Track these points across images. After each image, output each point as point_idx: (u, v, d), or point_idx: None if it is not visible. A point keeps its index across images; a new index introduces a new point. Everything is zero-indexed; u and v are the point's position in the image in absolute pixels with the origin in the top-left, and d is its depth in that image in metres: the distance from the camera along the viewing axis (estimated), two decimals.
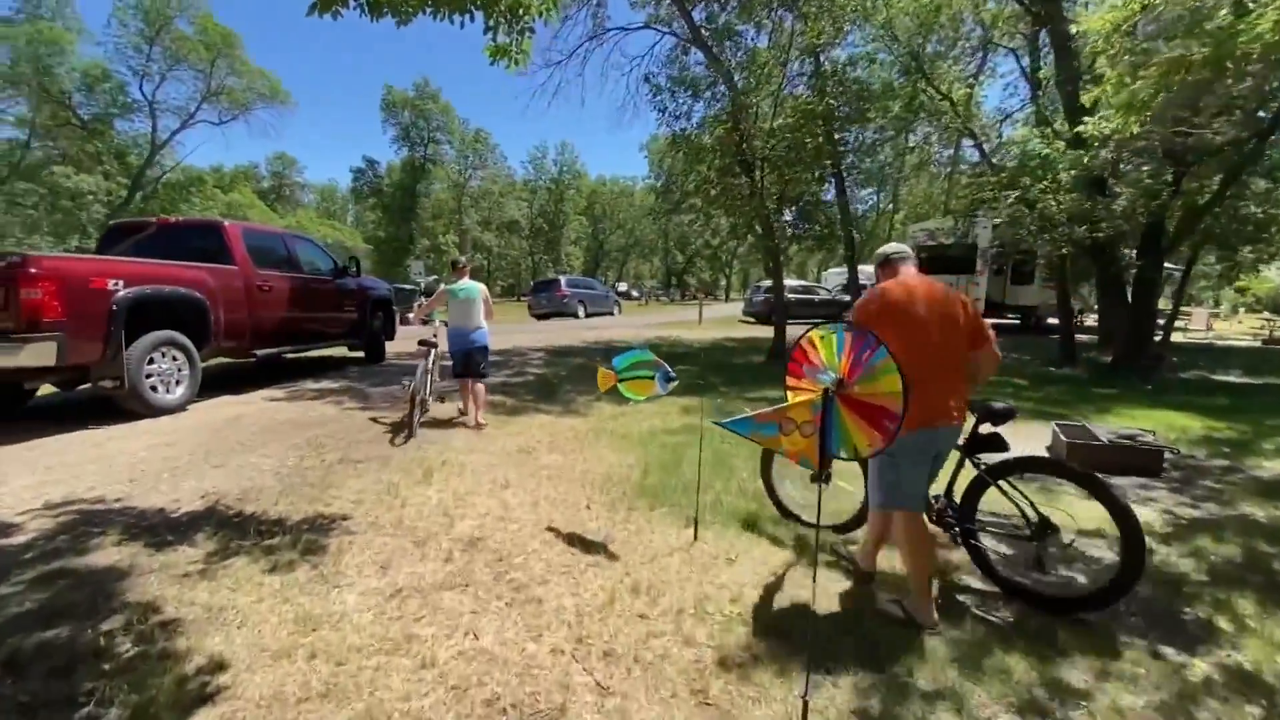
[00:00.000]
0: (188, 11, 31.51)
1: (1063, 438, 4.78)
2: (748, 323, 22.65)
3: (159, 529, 3.03)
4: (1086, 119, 7.50)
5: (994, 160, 13.15)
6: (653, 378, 3.23)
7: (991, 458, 2.57)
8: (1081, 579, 2.76)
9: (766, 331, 16.94)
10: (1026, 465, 2.56)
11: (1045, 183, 9.06)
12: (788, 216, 11.58)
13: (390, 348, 9.78)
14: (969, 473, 2.66)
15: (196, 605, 2.36)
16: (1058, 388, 8.33)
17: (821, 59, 11.77)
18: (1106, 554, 2.91)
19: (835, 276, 38.40)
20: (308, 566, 2.70)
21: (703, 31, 10.24)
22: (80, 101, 30.58)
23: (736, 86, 9.77)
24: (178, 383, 5.51)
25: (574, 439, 5.12)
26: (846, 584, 2.69)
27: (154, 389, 5.26)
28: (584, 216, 57.67)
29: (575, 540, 3.07)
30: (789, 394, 2.26)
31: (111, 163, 30.91)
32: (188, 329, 5.65)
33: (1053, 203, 9.15)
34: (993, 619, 2.42)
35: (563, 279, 23.69)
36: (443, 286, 5.72)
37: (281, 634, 2.20)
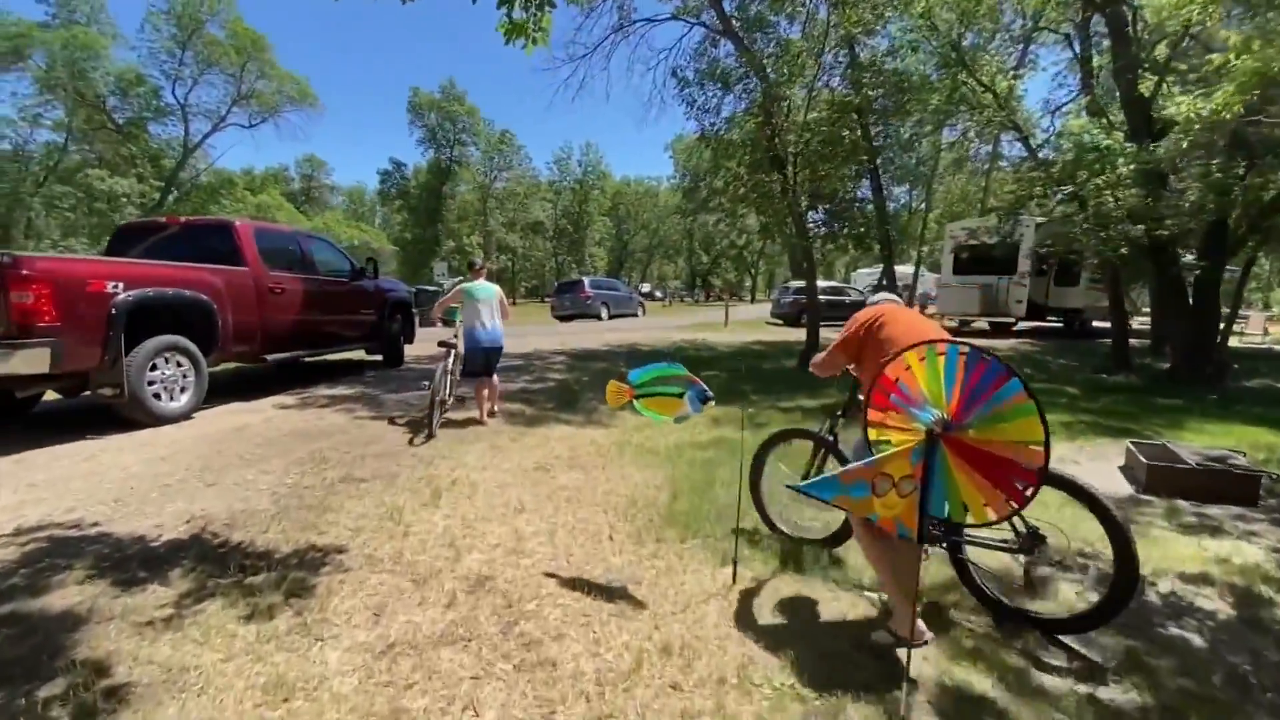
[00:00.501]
0: (218, 15, 31.97)
1: (1141, 458, 4.25)
2: (775, 325, 22.09)
3: (132, 562, 2.71)
4: (1180, 99, 6.88)
5: (1039, 155, 12.49)
6: (681, 395, 2.81)
7: None
8: (1072, 596, 2.59)
9: (797, 334, 16.26)
10: None
11: (1103, 177, 8.45)
12: (820, 215, 11.08)
13: (409, 350, 9.53)
14: None
15: (154, 664, 2.02)
16: (1116, 398, 7.73)
17: (857, 49, 11.25)
18: (1099, 570, 2.72)
19: (866, 277, 37.50)
20: (290, 613, 2.35)
21: (733, 22, 9.81)
22: (115, 105, 31.23)
23: (769, 79, 9.31)
24: (182, 390, 5.26)
25: (596, 454, 4.74)
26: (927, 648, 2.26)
27: (157, 397, 5.01)
28: (608, 217, 57.46)
29: (596, 585, 2.67)
30: (871, 431, 1.84)
31: (145, 165, 31.50)
32: (193, 333, 5.41)
33: (1110, 199, 8.54)
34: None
35: (586, 280, 23.39)
36: (459, 286, 5.81)
37: (246, 705, 1.85)
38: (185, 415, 5.23)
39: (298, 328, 6.66)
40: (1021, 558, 2.33)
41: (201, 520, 3.15)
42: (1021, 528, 2.28)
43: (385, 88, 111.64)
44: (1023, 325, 17.28)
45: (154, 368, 4.97)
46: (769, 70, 9.32)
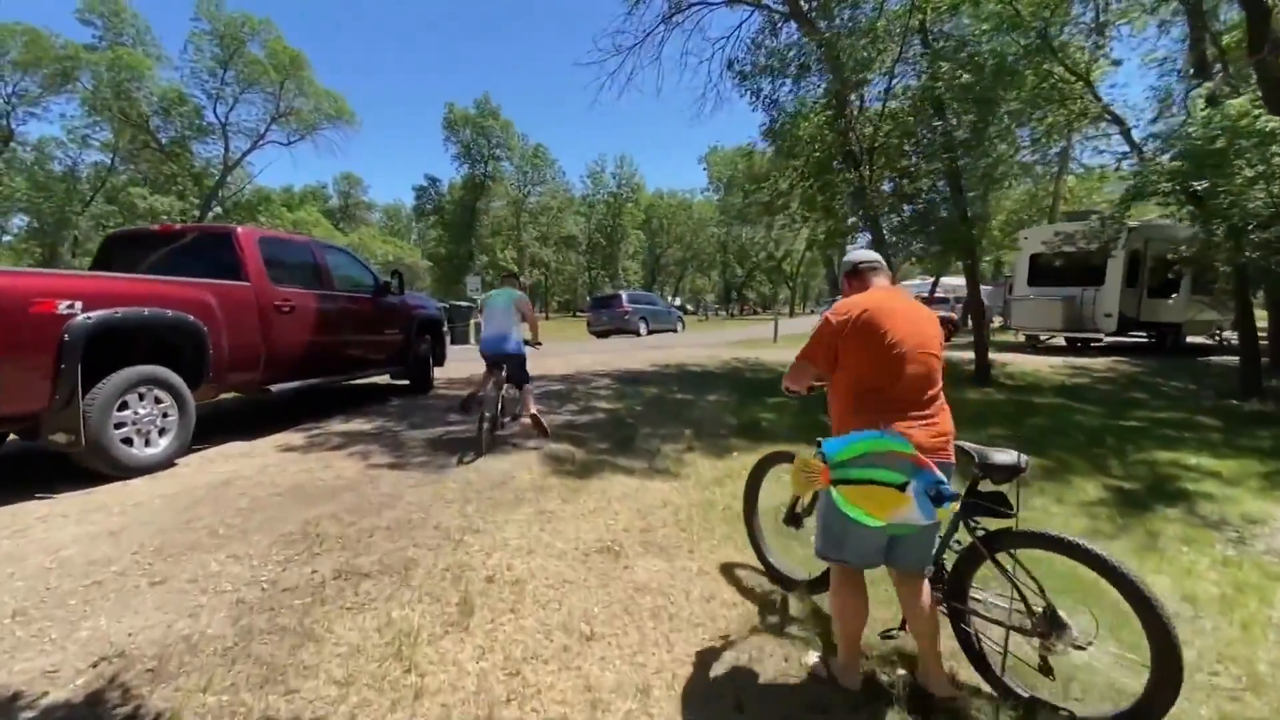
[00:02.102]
0: (259, 34, 32.25)
1: None
2: None
3: None
4: None
5: (1143, 149, 11.01)
6: (903, 487, 1.70)
7: (991, 523, 2.06)
8: (1097, 696, 2.07)
9: None
10: (1033, 540, 2.02)
11: (1255, 169, 7.04)
12: (895, 220, 9.79)
13: (441, 373, 8.55)
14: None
15: None
16: (1274, 431, 6.33)
17: (931, 36, 10.01)
18: (1132, 668, 2.01)
19: (908, 288, 35.79)
20: None
21: (801, 3, 8.70)
22: (158, 125, 31.63)
23: (844, 65, 8.16)
24: (161, 432, 4.29)
25: (675, 523, 3.60)
26: None
27: (127, 443, 4.04)
28: (641, 230, 56.69)
29: None
30: None
31: (186, 183, 31.77)
32: (178, 362, 4.45)
33: (1262, 195, 7.13)
34: None
35: (624, 294, 22.38)
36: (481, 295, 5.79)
37: None
38: (165, 463, 4.25)
39: (309, 352, 5.70)
40: (1037, 641, 1.93)
41: (114, 664, 2.08)
42: (1038, 604, 1.93)
43: (424, 104, 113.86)
44: (1105, 341, 15.57)
45: (124, 406, 4.00)
46: (843, 56, 8.17)
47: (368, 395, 7.44)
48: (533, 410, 5.40)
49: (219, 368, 4.72)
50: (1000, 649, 2.04)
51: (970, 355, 13.84)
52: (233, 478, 4.08)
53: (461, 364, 11.30)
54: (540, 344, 5.85)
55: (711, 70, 9.66)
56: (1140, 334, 15.71)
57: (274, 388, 5.24)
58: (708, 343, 17.88)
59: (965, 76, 8.46)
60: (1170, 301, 14.87)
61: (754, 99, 8.75)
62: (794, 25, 9.14)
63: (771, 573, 2.94)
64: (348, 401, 6.91)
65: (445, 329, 8.39)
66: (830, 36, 7.69)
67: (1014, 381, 10.38)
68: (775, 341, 18.29)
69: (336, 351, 6.13)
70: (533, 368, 6.02)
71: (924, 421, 1.93)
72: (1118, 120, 11.51)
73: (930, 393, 1.99)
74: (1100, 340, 15.39)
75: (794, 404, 7.51)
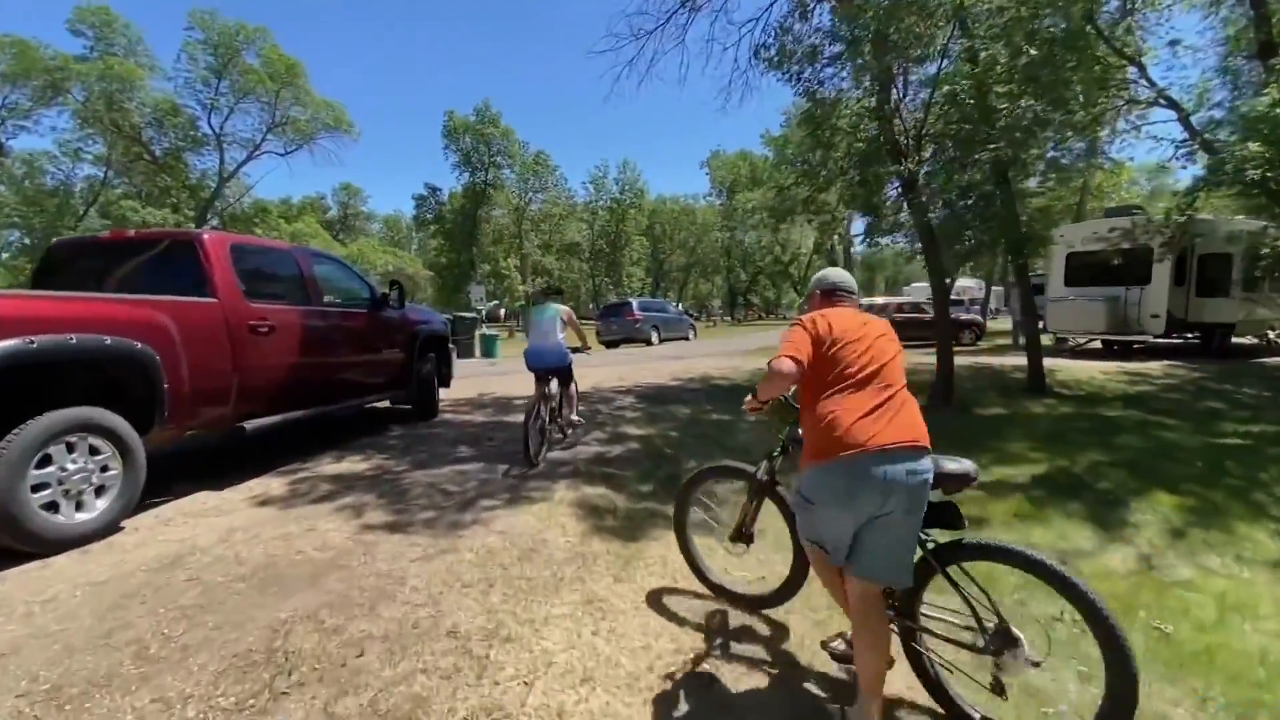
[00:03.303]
0: (254, 44, 31.54)
1: None
2: None
3: None
4: None
5: (1202, 136, 10.12)
6: None
7: (942, 535, 2.00)
8: (1053, 716, 2.01)
9: (909, 360, 13.78)
10: (985, 552, 1.94)
11: None
12: (939, 216, 8.88)
13: (445, 393, 7.65)
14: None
15: None
16: None
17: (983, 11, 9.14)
18: (1084, 685, 2.06)
19: (919, 290, 34.68)
20: None
21: None
22: (152, 137, 30.88)
23: (892, 44, 7.27)
24: (99, 491, 3.39)
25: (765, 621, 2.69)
26: None
27: (51, 508, 3.14)
28: (644, 236, 55.92)
29: None
30: None
31: (181, 195, 31.00)
32: (123, 400, 3.57)
33: None
34: None
35: (634, 301, 21.52)
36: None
37: None
38: (103, 531, 3.34)
39: (293, 379, 4.80)
40: (989, 659, 1.81)
41: None
42: (990, 619, 1.83)
43: (425, 114, 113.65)
44: (1149, 343, 14.60)
45: (45, 462, 3.10)
46: (894, 34, 7.27)
47: (364, 425, 6.53)
48: (573, 416, 5.77)
49: (178, 405, 3.82)
50: (953, 668, 1.96)
51: (1014, 363, 12.96)
52: (186, 552, 3.16)
53: (467, 381, 10.39)
54: (590, 348, 6.11)
55: (739, 57, 8.71)
56: (1184, 336, 14.75)
57: (249, 425, 4.33)
58: (724, 351, 16.96)
59: (1004, 58, 7.55)
60: (1221, 301, 13.91)
61: (795, 81, 7.84)
62: (826, 6, 8.29)
63: (713, 588, 2.84)
64: (341, 433, 6.00)
65: (451, 345, 7.49)
66: (879, 11, 6.84)
67: (1071, 391, 9.46)
68: None
69: (326, 377, 5.23)
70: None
71: (878, 402, 1.91)
72: (1175, 105, 10.64)
73: (889, 371, 1.99)
74: (1144, 342, 14.46)
75: None
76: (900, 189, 8.34)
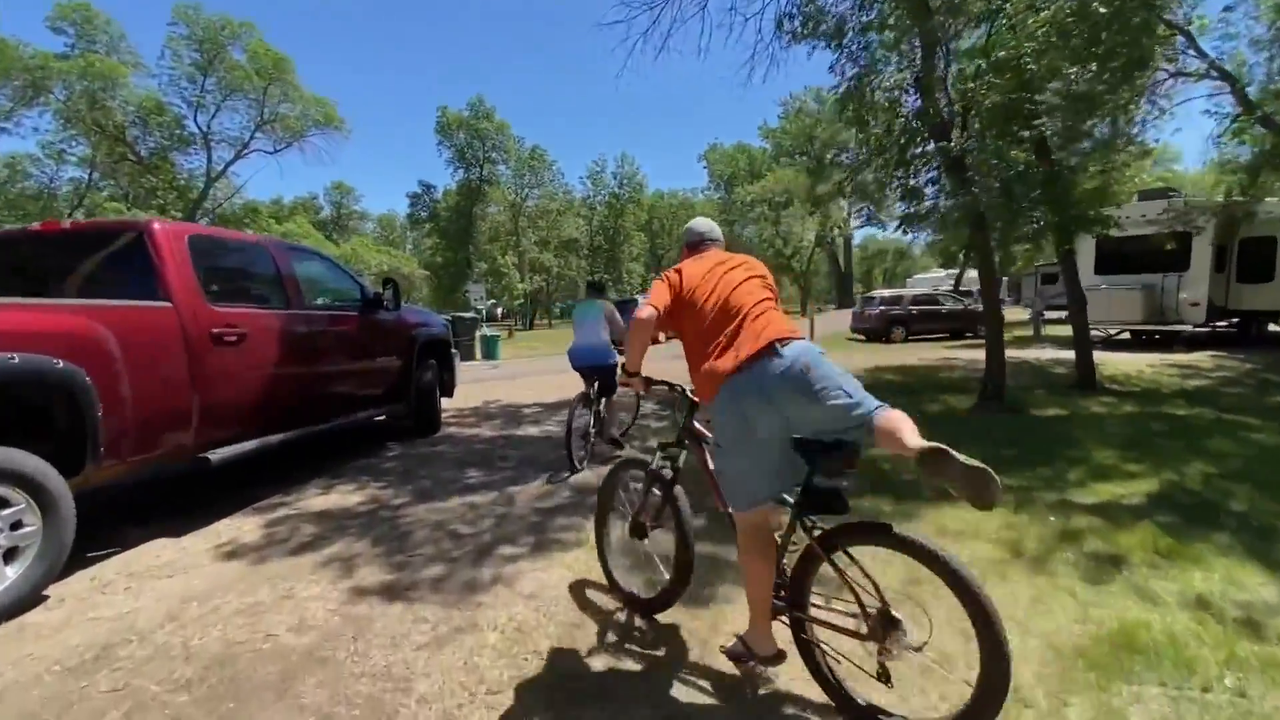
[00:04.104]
0: (240, 39, 30.59)
1: None
2: (857, 340, 19.08)
3: None
4: None
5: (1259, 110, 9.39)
6: None
7: (827, 520, 1.92)
8: (935, 699, 1.95)
9: (919, 353, 13.03)
10: (866, 535, 1.89)
11: None
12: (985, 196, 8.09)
13: (448, 403, 6.88)
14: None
15: None
16: None
17: None
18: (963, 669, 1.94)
19: (925, 282, 33.97)
20: None
21: None
22: (137, 136, 29.91)
23: (938, 5, 6.50)
24: (8, 556, 2.61)
25: None
26: None
27: None
28: (642, 232, 55.10)
29: None
30: None
31: (168, 196, 30.06)
32: (43, 434, 2.80)
33: None
34: None
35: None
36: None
37: None
38: (16, 607, 2.57)
39: (270, 396, 4.03)
40: (872, 645, 1.77)
41: None
42: (872, 604, 1.76)
43: (419, 112, 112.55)
44: (1158, 333, 13.84)
45: None
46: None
47: (357, 443, 5.75)
48: (614, 434, 5.45)
49: (119, 436, 3.04)
50: (841, 658, 1.92)
51: (1049, 356, 12.23)
52: (119, 639, 2.38)
53: (470, 387, 9.62)
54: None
55: (763, 27, 7.89)
56: (1215, 325, 14.02)
57: (215, 455, 3.55)
58: None
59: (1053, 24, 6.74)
60: (1263, 287, 13.15)
61: (835, 47, 7.01)
62: None
63: (616, 591, 2.68)
64: (330, 454, 5.23)
65: (454, 350, 6.72)
66: None
67: (1123, 386, 8.73)
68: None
69: (311, 392, 4.46)
70: (563, 387, 5.46)
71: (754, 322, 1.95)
72: (1228, 77, 9.89)
73: (761, 299, 2.03)
74: (1177, 332, 13.71)
75: (933, 438, 5.88)
76: (940, 169, 7.59)
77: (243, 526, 3.60)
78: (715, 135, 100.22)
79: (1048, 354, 12.59)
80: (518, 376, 11.47)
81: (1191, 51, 9.97)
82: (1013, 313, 23.59)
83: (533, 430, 6.20)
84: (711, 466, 2.24)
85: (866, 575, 1.80)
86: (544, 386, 9.53)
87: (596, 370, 5.04)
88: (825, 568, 1.88)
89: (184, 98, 30.45)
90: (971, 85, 6.67)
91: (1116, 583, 2.84)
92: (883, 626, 1.74)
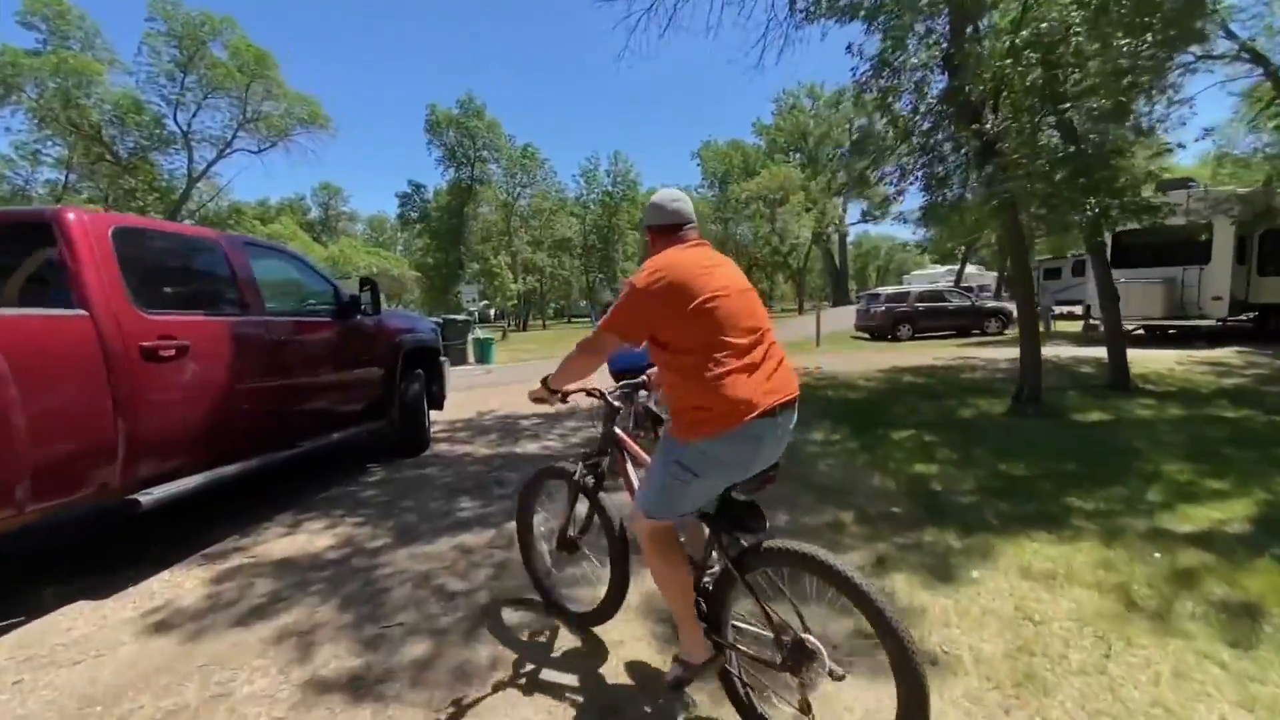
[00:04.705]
0: (221, 35, 29.70)
1: None
2: (862, 339, 18.53)
3: None
4: None
5: None
6: None
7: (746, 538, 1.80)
8: None
9: (933, 351, 12.36)
10: (781, 557, 1.70)
11: None
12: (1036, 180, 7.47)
13: (437, 416, 6.22)
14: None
15: None
16: None
17: None
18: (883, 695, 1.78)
19: (924, 279, 33.47)
20: None
21: None
22: (114, 136, 28.97)
23: None
24: None
25: None
26: None
27: None
28: (637, 230, 54.48)
29: None
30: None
31: (146, 198, 29.13)
32: None
33: None
34: None
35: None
36: None
37: None
38: None
39: (220, 422, 3.36)
40: (790, 677, 1.65)
41: None
42: (788, 635, 1.65)
43: (411, 113, 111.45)
44: (1173, 328, 13.31)
45: None
46: None
47: (334, 464, 5.09)
48: (653, 408, 5.04)
49: (9, 480, 2.39)
50: (759, 687, 1.83)
51: (1069, 354, 11.68)
52: None
53: (462, 395, 8.95)
54: None
55: (776, 3, 7.28)
56: (1224, 319, 13.51)
57: (147, 497, 2.89)
58: None
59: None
60: None
61: (863, 15, 6.39)
62: None
63: (550, 606, 2.52)
64: (301, 479, 4.57)
65: (443, 357, 6.06)
66: None
67: (1157, 386, 8.18)
68: (818, 346, 16.04)
69: (273, 414, 3.79)
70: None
71: (763, 364, 1.74)
72: (1260, 59, 9.37)
73: (761, 328, 1.81)
74: (1198, 328, 13.21)
75: (954, 452, 5.28)
76: (968, 156, 7.01)
77: (184, 584, 2.94)
78: (708, 133, 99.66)
79: (1066, 351, 12.05)
80: (514, 382, 10.81)
81: (1220, 33, 9.46)
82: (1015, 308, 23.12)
83: (532, 447, 5.56)
84: (635, 475, 2.16)
85: (791, 601, 1.68)
86: None
87: (639, 370, 4.90)
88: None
89: (163, 96, 29.55)
90: (1007, 62, 6.08)
91: (1264, 644, 2.27)
92: (798, 656, 1.61)
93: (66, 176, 29.65)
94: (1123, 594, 2.68)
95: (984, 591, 2.67)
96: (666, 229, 1.91)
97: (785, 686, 1.71)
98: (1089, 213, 5.91)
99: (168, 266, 3.40)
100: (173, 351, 3.07)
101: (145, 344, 2.93)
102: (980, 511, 3.72)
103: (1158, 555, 3.06)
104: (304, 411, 4.08)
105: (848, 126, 40.87)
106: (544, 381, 2.08)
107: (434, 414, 6.03)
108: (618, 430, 2.31)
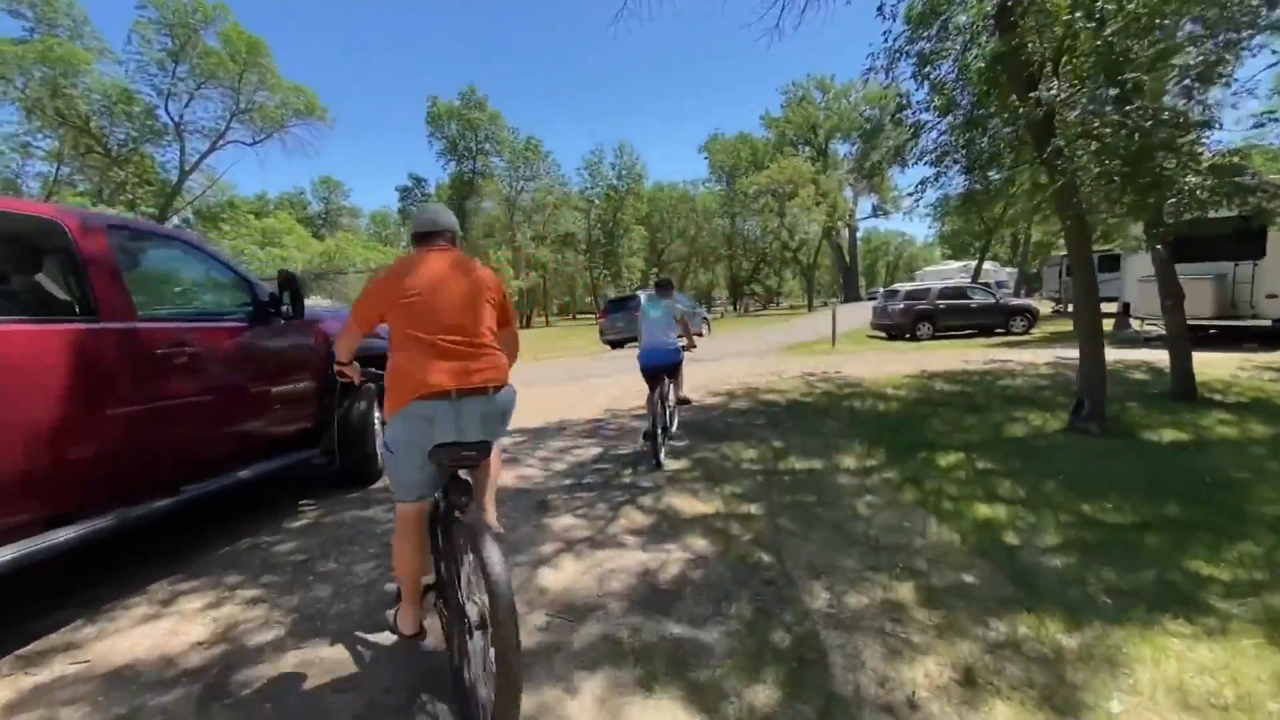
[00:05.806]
0: (213, 24, 28.86)
1: None
2: (878, 337, 17.51)
3: None
4: None
5: None
6: None
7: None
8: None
9: (958, 352, 10.42)
10: (461, 530, 1.82)
11: None
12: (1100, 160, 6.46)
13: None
14: None
15: None
16: None
17: None
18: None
19: (935, 274, 32.23)
20: None
21: None
22: (104, 127, 28.19)
23: None
24: None
25: None
26: None
27: None
28: (642, 225, 53.45)
29: None
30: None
31: (135, 191, 28.35)
32: None
33: None
34: None
35: (642, 294, 19.16)
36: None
37: None
38: None
39: (56, 466, 2.44)
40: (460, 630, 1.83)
41: None
42: (457, 599, 1.84)
43: (413, 106, 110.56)
44: (1212, 329, 12.20)
45: None
46: None
47: (258, 501, 4.16)
48: (683, 394, 5.72)
49: None
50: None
51: (1117, 356, 10.58)
52: None
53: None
54: (695, 346, 5.85)
55: None
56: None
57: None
58: (749, 349, 14.65)
59: None
60: None
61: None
62: None
63: None
64: (200, 520, 3.64)
65: None
66: None
67: (1224, 396, 7.14)
68: (834, 345, 15.02)
69: (139, 451, 2.85)
70: (541, 412, 4.85)
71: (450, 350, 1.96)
72: None
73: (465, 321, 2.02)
74: (1249, 329, 12.10)
75: (1019, 486, 4.31)
76: (1019, 129, 6.01)
77: (29, 684, 2.02)
78: (716, 126, 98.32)
79: (1109, 354, 11.01)
80: None
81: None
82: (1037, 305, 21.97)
83: (505, 477, 4.62)
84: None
85: (470, 569, 1.79)
86: (536, 403, 7.91)
87: (668, 368, 5.13)
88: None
89: (154, 86, 28.78)
90: (1078, 15, 5.08)
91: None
92: (458, 619, 1.80)
93: (57, 169, 28.93)
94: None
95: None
96: (416, 237, 2.22)
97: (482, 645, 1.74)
98: (1184, 195, 4.91)
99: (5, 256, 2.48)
100: (19, 369, 2.15)
101: None
102: (1084, 584, 2.75)
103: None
104: (192, 443, 3.13)
105: (871, 109, 38.99)
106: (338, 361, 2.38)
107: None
108: None
